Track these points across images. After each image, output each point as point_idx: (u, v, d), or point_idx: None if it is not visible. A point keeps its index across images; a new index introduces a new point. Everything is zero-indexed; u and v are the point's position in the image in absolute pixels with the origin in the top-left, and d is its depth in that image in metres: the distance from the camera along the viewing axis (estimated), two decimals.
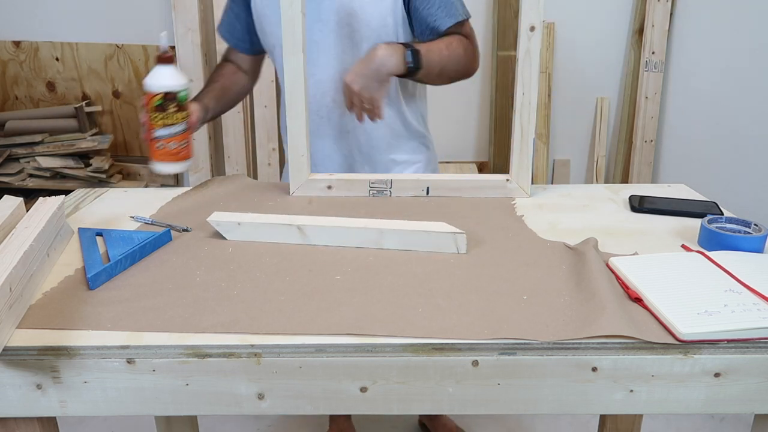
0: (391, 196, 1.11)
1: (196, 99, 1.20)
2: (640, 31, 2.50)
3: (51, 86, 2.56)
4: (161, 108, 1.03)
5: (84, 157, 2.43)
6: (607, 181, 2.72)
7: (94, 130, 2.50)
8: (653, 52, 2.46)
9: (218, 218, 0.92)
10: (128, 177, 2.55)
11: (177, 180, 2.70)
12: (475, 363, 0.65)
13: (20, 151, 2.36)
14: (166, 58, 1.05)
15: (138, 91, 2.57)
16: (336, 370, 0.65)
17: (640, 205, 1.04)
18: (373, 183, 1.11)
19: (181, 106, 1.06)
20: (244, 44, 1.32)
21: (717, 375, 0.65)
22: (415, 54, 1.11)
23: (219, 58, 1.42)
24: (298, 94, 1.05)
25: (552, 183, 2.71)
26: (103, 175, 2.38)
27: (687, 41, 2.38)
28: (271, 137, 2.51)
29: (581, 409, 0.68)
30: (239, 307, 0.71)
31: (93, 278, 0.76)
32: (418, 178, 1.11)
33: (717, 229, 0.87)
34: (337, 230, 0.89)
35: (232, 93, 1.32)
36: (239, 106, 2.48)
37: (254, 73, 1.39)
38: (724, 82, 2.12)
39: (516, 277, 0.79)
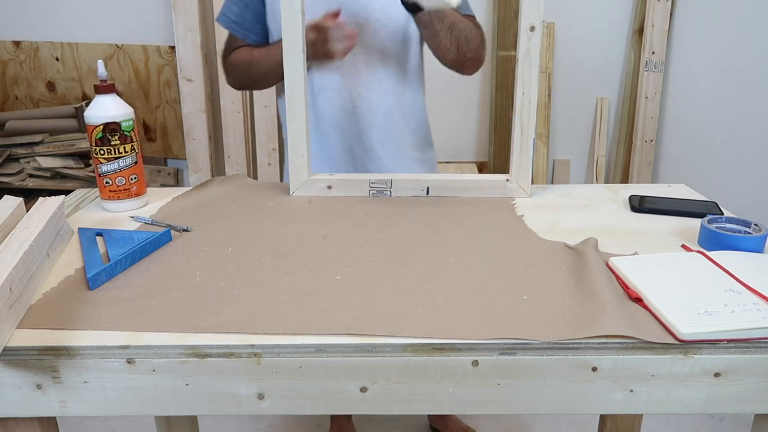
0: (391, 196, 1.11)
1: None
2: (640, 31, 2.50)
3: (51, 86, 2.56)
4: (103, 141, 0.98)
5: (84, 157, 2.43)
6: (607, 181, 2.72)
7: None
8: (653, 52, 2.46)
9: None
10: None
11: (177, 180, 2.71)
12: (475, 363, 0.65)
13: (20, 151, 2.36)
14: (105, 87, 0.99)
15: (139, 91, 2.57)
16: (336, 370, 0.65)
17: (640, 205, 1.04)
18: (373, 183, 1.11)
19: (126, 138, 1.00)
20: (255, 35, 1.30)
21: (717, 375, 0.65)
22: None
23: (219, 55, 1.40)
24: (298, 94, 1.05)
25: (552, 183, 2.71)
26: None
27: (687, 41, 2.39)
28: (271, 137, 2.51)
29: (581, 409, 0.68)
30: (239, 307, 0.71)
31: (93, 278, 0.76)
32: (418, 178, 1.11)
33: (717, 229, 0.87)
34: None
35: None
36: (239, 106, 2.48)
37: None
38: (724, 82, 2.12)
39: (516, 277, 0.79)
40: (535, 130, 1.10)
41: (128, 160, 1.02)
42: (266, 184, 1.18)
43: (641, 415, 1.34)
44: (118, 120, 0.99)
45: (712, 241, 0.87)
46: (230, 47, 1.32)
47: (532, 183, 1.12)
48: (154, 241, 0.87)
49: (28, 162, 2.36)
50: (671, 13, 2.44)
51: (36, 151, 2.36)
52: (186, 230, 0.94)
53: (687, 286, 0.73)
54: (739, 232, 0.88)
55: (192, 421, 1.36)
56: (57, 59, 2.52)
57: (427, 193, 1.11)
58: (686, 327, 0.64)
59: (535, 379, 0.65)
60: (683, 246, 0.89)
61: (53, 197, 0.90)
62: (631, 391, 0.66)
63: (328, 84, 1.27)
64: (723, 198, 1.22)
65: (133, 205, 1.04)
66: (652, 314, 0.69)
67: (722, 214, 1.01)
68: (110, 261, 0.80)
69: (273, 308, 0.71)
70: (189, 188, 1.14)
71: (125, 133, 1.00)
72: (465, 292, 0.75)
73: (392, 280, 0.78)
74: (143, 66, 2.53)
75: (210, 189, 1.13)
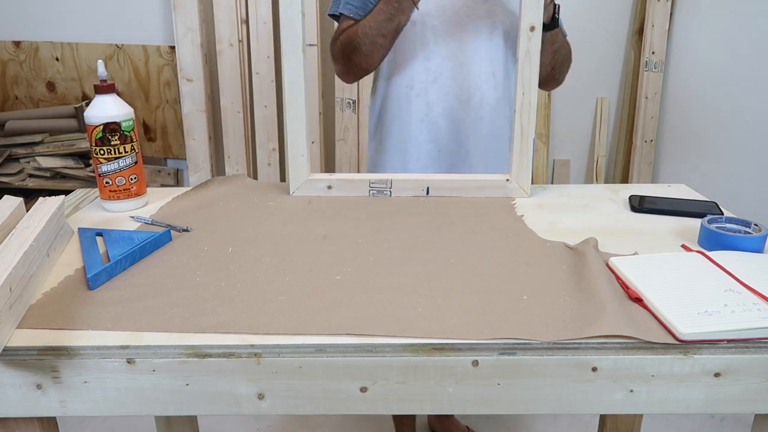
0: (391, 196, 1.11)
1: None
2: (640, 31, 2.50)
3: (51, 86, 2.56)
4: (103, 141, 0.98)
5: (84, 157, 2.43)
6: (607, 181, 2.72)
7: None
8: (653, 52, 2.46)
9: None
10: None
11: (177, 180, 2.71)
12: (475, 363, 0.65)
13: (20, 151, 2.36)
14: (105, 87, 0.99)
15: (139, 91, 2.57)
16: (336, 370, 0.65)
17: (640, 205, 1.04)
18: (373, 183, 1.11)
19: (126, 138, 1.00)
20: None
21: (717, 375, 0.65)
22: (558, 7, 1.19)
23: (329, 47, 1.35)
24: (298, 94, 1.05)
25: (552, 183, 2.71)
26: None
27: (687, 41, 2.38)
28: (271, 137, 2.51)
29: (581, 409, 0.68)
30: (239, 307, 0.71)
31: (93, 278, 0.76)
32: (418, 178, 1.11)
33: (717, 229, 0.87)
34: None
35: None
36: (239, 106, 2.48)
37: None
38: (723, 82, 2.12)
39: (516, 277, 0.79)
40: (535, 130, 1.10)
41: (128, 160, 1.02)
42: (266, 184, 1.18)
43: (641, 415, 1.34)
44: (118, 120, 0.99)
45: (712, 241, 0.87)
46: (339, 32, 1.29)
47: (532, 183, 1.12)
48: (154, 241, 0.87)
49: (28, 162, 2.36)
50: (671, 13, 2.44)
51: (36, 151, 2.36)
52: (186, 230, 0.94)
53: (687, 286, 0.73)
54: (739, 232, 0.88)
55: (192, 421, 1.36)
56: (57, 59, 2.52)
57: (427, 193, 1.11)
58: (686, 327, 0.64)
59: (535, 379, 0.65)
60: (683, 246, 0.89)
61: (53, 197, 0.90)
62: (631, 391, 0.66)
63: (446, 73, 1.28)
64: (723, 198, 1.22)
65: (133, 205, 1.04)
66: (652, 314, 0.69)
67: (722, 214, 1.01)
68: (110, 261, 0.80)
69: (273, 308, 0.71)
70: (189, 188, 1.14)
71: (125, 133, 1.00)
72: (465, 292, 0.75)
73: (392, 280, 0.78)
74: (143, 66, 2.53)
75: (210, 189, 1.13)
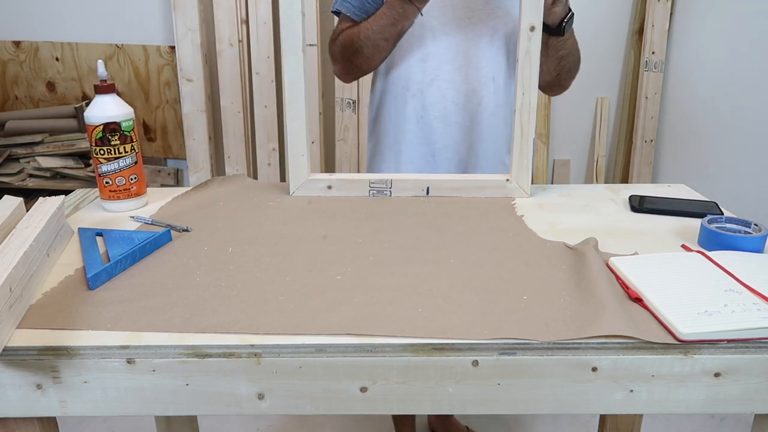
0: (391, 196, 1.11)
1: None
2: (640, 31, 2.50)
3: (51, 86, 2.56)
4: (103, 141, 0.98)
5: (84, 157, 2.43)
6: (607, 181, 2.72)
7: None
8: (653, 52, 2.46)
9: None
10: None
11: (177, 180, 2.71)
12: (475, 363, 0.65)
13: (20, 151, 2.36)
14: (105, 87, 0.99)
15: (139, 91, 2.57)
16: (336, 370, 0.65)
17: (640, 205, 1.04)
18: (373, 183, 1.11)
19: (126, 138, 1.00)
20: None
21: (717, 375, 0.65)
22: (572, 16, 1.17)
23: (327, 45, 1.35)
24: (298, 94, 1.05)
25: (552, 183, 2.71)
26: None
27: (687, 41, 2.39)
28: (270, 137, 2.51)
29: (581, 409, 0.68)
30: (239, 307, 0.71)
31: (93, 278, 0.76)
32: (418, 178, 1.11)
33: (717, 229, 0.87)
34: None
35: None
36: (239, 106, 2.48)
37: None
38: (724, 82, 2.12)
39: (516, 277, 0.79)
40: (535, 130, 1.10)
41: (128, 160, 1.02)
42: (266, 184, 1.18)
43: (641, 415, 1.34)
44: (118, 120, 0.99)
45: (712, 241, 0.87)
46: (338, 32, 1.29)
47: (532, 183, 1.12)
48: (154, 241, 0.87)
49: (28, 162, 2.36)
50: (671, 13, 2.44)
51: (36, 151, 2.36)
52: (186, 230, 0.94)
53: (687, 286, 0.73)
54: (739, 232, 0.88)
55: (192, 421, 1.36)
56: (57, 59, 2.52)
57: (427, 193, 1.11)
58: (686, 327, 0.64)
59: (535, 379, 0.65)
60: (683, 246, 0.89)
61: (53, 197, 0.90)
62: (631, 391, 0.66)
63: (443, 75, 1.26)
64: (723, 198, 1.22)
65: (133, 205, 1.04)
66: (652, 314, 0.69)
67: (722, 214, 1.01)
68: (110, 261, 0.80)
69: (273, 308, 0.71)
70: (189, 188, 1.14)
71: (125, 133, 1.00)
72: (465, 292, 0.75)
73: (392, 280, 0.78)
74: (143, 66, 2.53)
75: (210, 189, 1.13)
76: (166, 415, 0.68)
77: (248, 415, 1.38)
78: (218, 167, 2.63)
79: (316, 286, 0.76)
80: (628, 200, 1.08)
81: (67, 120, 2.44)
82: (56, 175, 2.37)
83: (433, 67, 1.26)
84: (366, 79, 1.61)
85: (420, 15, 1.17)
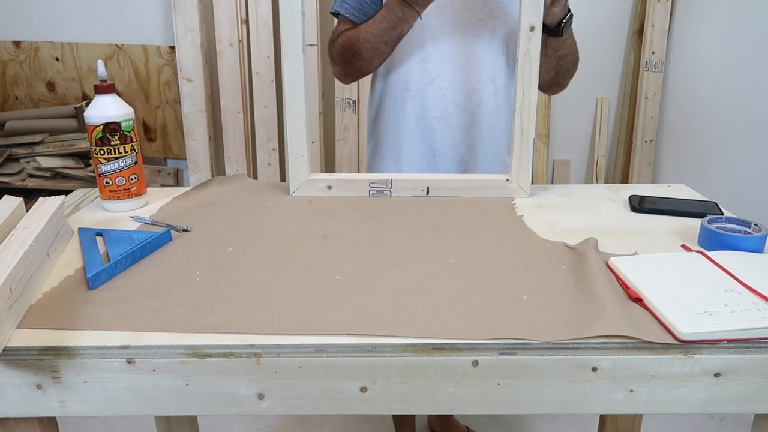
0: (391, 196, 1.11)
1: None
2: (640, 31, 2.50)
3: (51, 86, 2.56)
4: (103, 141, 0.98)
5: (84, 157, 2.43)
6: (607, 181, 2.72)
7: None
8: (653, 52, 2.46)
9: None
10: None
11: (177, 180, 2.71)
12: (475, 363, 0.65)
13: (20, 151, 2.36)
14: (105, 87, 0.99)
15: (138, 91, 2.57)
16: (336, 370, 0.65)
17: (640, 205, 1.04)
18: (373, 183, 1.11)
19: (126, 138, 1.00)
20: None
21: (717, 375, 0.65)
22: (571, 17, 1.17)
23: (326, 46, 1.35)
24: (298, 94, 1.05)
25: (552, 183, 2.71)
26: None
27: (687, 41, 2.39)
28: (270, 137, 2.51)
29: (581, 409, 0.68)
30: (239, 307, 0.71)
31: (93, 278, 0.76)
32: (418, 178, 1.11)
33: (717, 229, 0.87)
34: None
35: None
36: (239, 106, 2.48)
37: None
38: (724, 82, 2.12)
39: (516, 277, 0.79)
40: (535, 130, 1.10)
41: (128, 160, 1.02)
42: (266, 184, 1.18)
43: (641, 415, 1.34)
44: (118, 120, 0.99)
45: (712, 241, 0.87)
46: (337, 33, 1.29)
47: (532, 183, 1.12)
48: (154, 241, 0.87)
49: (28, 162, 2.36)
50: (671, 13, 2.44)
51: (36, 151, 2.36)
52: (186, 230, 0.94)
53: (687, 286, 0.73)
54: (739, 232, 0.88)
55: (192, 421, 1.36)
56: (57, 59, 2.52)
57: (427, 193, 1.11)
58: (686, 327, 0.64)
59: (535, 379, 0.65)
60: (683, 246, 0.89)
61: (53, 197, 0.90)
62: (631, 391, 0.66)
63: (442, 75, 1.26)
64: (723, 198, 1.22)
65: (133, 205, 1.04)
66: (652, 314, 0.69)
67: (722, 214, 1.01)
68: (110, 261, 0.80)
69: (273, 308, 0.71)
70: (189, 188, 1.14)
71: (125, 133, 1.00)
72: (465, 292, 0.75)
73: (392, 280, 0.78)
74: (143, 66, 2.53)
75: (210, 189, 1.13)
76: (166, 415, 0.68)
77: (248, 415, 1.38)
78: (218, 167, 2.63)
79: (316, 286, 0.76)
80: (628, 200, 1.08)
81: (67, 120, 2.44)
82: (56, 175, 2.37)
83: (432, 68, 1.26)
84: (366, 79, 1.61)
85: (420, 19, 1.17)
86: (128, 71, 2.54)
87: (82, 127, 2.44)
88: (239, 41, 2.43)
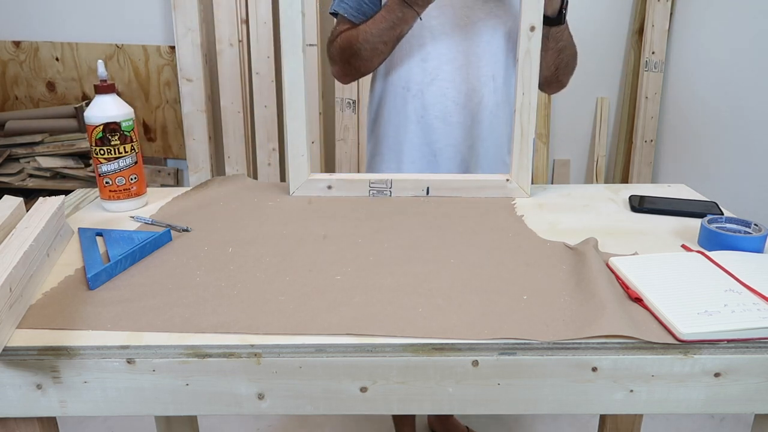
0: (391, 196, 1.11)
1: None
2: (640, 31, 2.50)
3: (51, 86, 2.56)
4: (103, 141, 0.98)
5: (84, 157, 2.43)
6: (607, 181, 2.72)
7: None
8: (653, 52, 2.46)
9: None
10: None
11: (177, 180, 2.71)
12: (475, 363, 0.65)
13: (20, 151, 2.36)
14: (105, 87, 0.99)
15: (138, 91, 2.57)
16: (336, 370, 0.65)
17: (640, 205, 1.04)
18: (373, 183, 1.11)
19: (126, 138, 1.00)
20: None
21: (717, 375, 0.65)
22: (567, 3, 1.17)
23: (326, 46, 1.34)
24: (298, 94, 1.05)
25: (552, 183, 2.71)
26: None
27: (687, 41, 2.39)
28: (271, 137, 2.51)
29: (581, 409, 0.68)
30: (239, 307, 0.71)
31: (93, 278, 0.76)
32: (418, 178, 1.11)
33: (717, 229, 0.87)
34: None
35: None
36: (239, 106, 2.48)
37: None
38: (724, 82, 2.12)
39: (516, 277, 0.79)
40: (535, 130, 1.10)
41: (128, 160, 1.02)
42: (266, 184, 1.18)
43: (641, 415, 1.34)
44: (118, 120, 0.99)
45: (712, 241, 0.87)
46: (336, 34, 1.29)
47: (532, 183, 1.12)
48: (154, 241, 0.87)
49: (28, 162, 2.36)
50: (671, 13, 2.44)
51: (36, 151, 2.36)
52: (186, 230, 0.94)
53: (687, 286, 0.73)
54: (739, 232, 0.88)
55: (192, 421, 1.36)
56: (57, 59, 2.52)
57: (427, 193, 1.11)
58: (686, 327, 0.64)
59: (535, 379, 0.65)
60: (683, 246, 0.89)
61: (53, 197, 0.90)
62: (631, 391, 0.66)
63: (443, 74, 1.26)
64: (723, 198, 1.22)
65: (133, 205, 1.04)
66: (652, 314, 0.69)
67: (722, 214, 1.01)
68: (110, 261, 0.80)
69: (273, 308, 0.71)
70: (189, 188, 1.14)
71: (125, 133, 1.00)
72: (465, 292, 0.75)
73: (392, 280, 0.78)
74: (143, 66, 2.53)
75: (210, 189, 1.13)
76: (166, 415, 0.68)
77: (248, 415, 1.38)
78: (218, 167, 2.63)
79: (316, 286, 0.76)
80: (628, 200, 1.08)
81: (67, 120, 2.44)
82: (56, 175, 2.37)
83: (433, 67, 1.26)
84: (366, 79, 1.61)
85: (419, 19, 1.17)
86: (128, 71, 2.54)
87: (82, 127, 2.44)
88: (239, 41, 2.43)
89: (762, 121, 1.92)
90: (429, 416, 1.83)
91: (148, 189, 1.10)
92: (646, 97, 2.50)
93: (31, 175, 2.37)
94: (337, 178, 1.11)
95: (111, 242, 0.86)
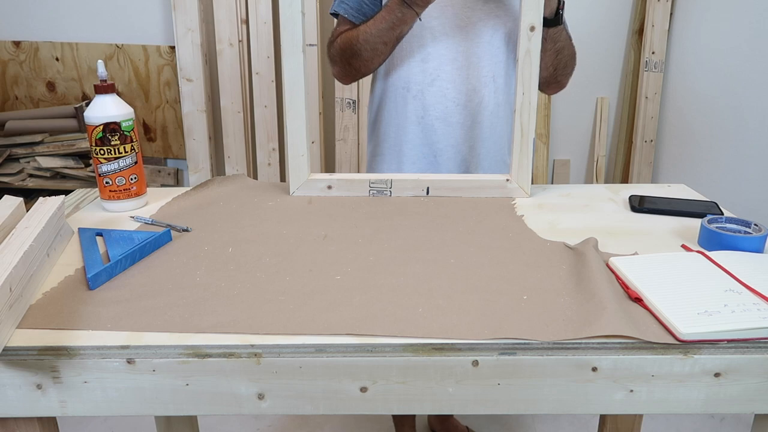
0: (391, 196, 1.11)
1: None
2: (640, 31, 2.50)
3: (51, 86, 2.56)
4: (103, 141, 0.98)
5: (84, 157, 2.43)
6: (607, 181, 2.72)
7: None
8: (653, 52, 2.46)
9: None
10: None
11: (177, 180, 2.71)
12: (475, 363, 0.65)
13: (20, 151, 2.36)
14: (105, 87, 0.99)
15: (139, 91, 2.57)
16: (336, 370, 0.65)
17: (640, 205, 1.04)
18: (373, 183, 1.11)
19: (126, 138, 1.00)
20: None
21: (717, 375, 0.65)
22: (563, 3, 1.18)
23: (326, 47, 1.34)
24: (298, 94, 1.05)
25: (552, 183, 2.71)
26: None
27: (687, 41, 2.39)
28: (271, 137, 2.51)
29: (581, 409, 0.68)
30: (239, 307, 0.71)
31: (93, 278, 0.76)
32: (418, 178, 1.11)
33: (717, 229, 0.87)
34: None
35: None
36: (239, 106, 2.48)
37: None
38: (724, 82, 2.12)
39: (516, 277, 0.79)
40: (535, 130, 1.10)
41: (128, 160, 1.02)
42: (266, 184, 1.18)
43: (641, 415, 1.34)
44: (118, 120, 0.99)
45: (712, 241, 0.87)
46: (336, 34, 1.29)
47: (532, 183, 1.12)
48: (154, 241, 0.87)
49: (28, 162, 2.36)
50: (671, 13, 2.44)
51: (36, 151, 2.36)
52: (186, 230, 0.94)
53: (687, 286, 0.73)
54: (739, 232, 0.88)
55: (192, 421, 1.36)
56: (57, 59, 2.52)
57: (427, 193, 1.11)
58: (686, 327, 0.64)
59: (535, 379, 0.65)
60: (683, 246, 0.89)
61: (53, 197, 0.90)
62: (631, 391, 0.66)
63: (443, 75, 1.26)
64: (723, 198, 1.22)
65: (133, 205, 1.04)
66: (652, 314, 0.69)
67: (722, 214, 1.01)
68: (110, 261, 0.80)
69: (273, 308, 0.71)
70: (189, 188, 1.14)
71: (125, 133, 1.00)
72: (465, 292, 0.75)
73: (392, 280, 0.78)
74: (143, 66, 2.53)
75: (210, 189, 1.13)
76: (166, 415, 0.68)
77: (248, 415, 1.38)
78: (218, 167, 2.63)
79: (316, 286, 0.76)
80: (628, 200, 1.08)
81: (67, 120, 2.44)
82: (56, 175, 2.37)
83: (433, 68, 1.26)
84: (366, 79, 1.61)
85: (419, 20, 1.17)
86: (128, 71, 2.54)
87: (82, 127, 2.44)
88: (239, 41, 2.43)
89: (762, 121, 1.92)
90: (429, 416, 1.83)
91: (148, 189, 1.10)
92: (646, 97, 2.50)
93: (31, 175, 2.37)
94: (337, 178, 1.11)
95: (111, 242, 0.86)
